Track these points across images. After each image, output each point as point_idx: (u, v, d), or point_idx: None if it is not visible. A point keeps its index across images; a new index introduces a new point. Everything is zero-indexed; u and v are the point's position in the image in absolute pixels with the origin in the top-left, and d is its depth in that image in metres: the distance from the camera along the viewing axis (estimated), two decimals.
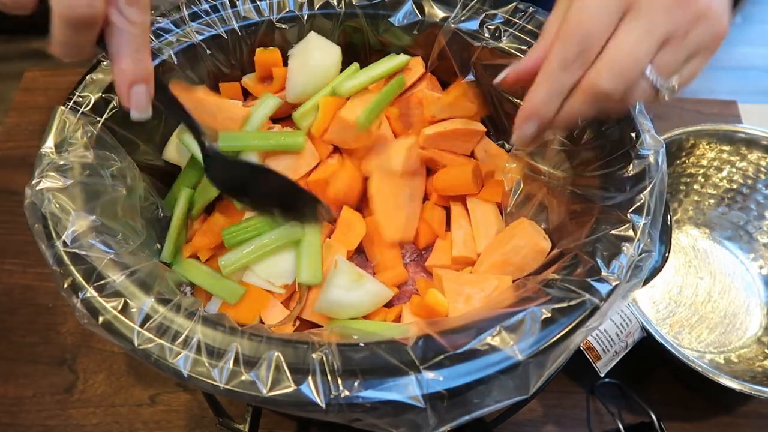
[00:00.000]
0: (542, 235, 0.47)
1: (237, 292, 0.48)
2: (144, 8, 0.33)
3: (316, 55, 0.54)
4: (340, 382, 0.32)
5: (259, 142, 0.51)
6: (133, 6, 0.32)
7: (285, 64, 0.57)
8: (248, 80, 0.58)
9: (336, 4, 0.55)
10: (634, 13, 0.29)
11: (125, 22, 0.32)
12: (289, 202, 0.46)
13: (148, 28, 0.34)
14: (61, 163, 0.42)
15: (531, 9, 0.52)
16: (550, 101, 0.32)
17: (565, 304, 0.36)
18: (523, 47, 0.51)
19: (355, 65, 0.57)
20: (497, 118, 0.58)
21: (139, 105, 0.35)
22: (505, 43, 0.51)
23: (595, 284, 0.37)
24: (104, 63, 0.48)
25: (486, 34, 0.52)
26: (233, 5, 0.54)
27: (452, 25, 0.53)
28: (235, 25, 0.53)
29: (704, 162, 0.72)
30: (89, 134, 0.45)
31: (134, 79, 0.34)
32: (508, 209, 0.54)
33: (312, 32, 0.56)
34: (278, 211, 0.46)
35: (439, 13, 0.54)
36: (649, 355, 0.62)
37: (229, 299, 0.47)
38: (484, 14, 0.53)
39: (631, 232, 0.39)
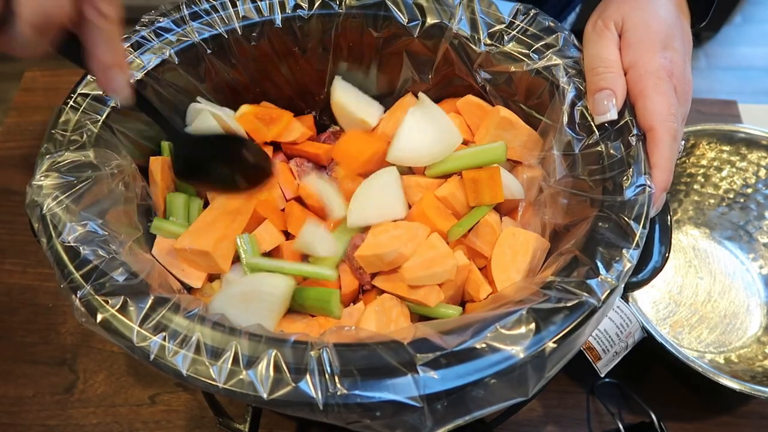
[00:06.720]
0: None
1: None
2: (117, 4, 0.36)
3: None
4: (337, 380, 0.32)
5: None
6: (109, 3, 0.35)
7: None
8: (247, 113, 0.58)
9: (337, 4, 0.55)
10: (680, 100, 0.45)
11: (101, 18, 0.35)
12: (245, 162, 0.49)
13: (121, 21, 0.37)
14: (62, 162, 0.42)
15: (533, 11, 0.51)
16: (672, 171, 0.44)
17: (563, 305, 0.36)
18: (526, 51, 0.50)
19: None
20: None
21: (117, 87, 0.38)
22: (509, 47, 0.51)
23: (594, 285, 0.37)
24: None
25: (489, 39, 0.51)
26: (233, 5, 0.54)
27: (454, 30, 0.52)
28: (236, 25, 0.53)
29: (704, 162, 0.72)
30: (89, 133, 0.45)
31: (111, 65, 0.37)
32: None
33: None
34: (239, 176, 0.49)
35: (440, 15, 0.53)
36: (649, 355, 0.62)
37: None
38: (485, 18, 0.52)
39: (630, 237, 0.39)
